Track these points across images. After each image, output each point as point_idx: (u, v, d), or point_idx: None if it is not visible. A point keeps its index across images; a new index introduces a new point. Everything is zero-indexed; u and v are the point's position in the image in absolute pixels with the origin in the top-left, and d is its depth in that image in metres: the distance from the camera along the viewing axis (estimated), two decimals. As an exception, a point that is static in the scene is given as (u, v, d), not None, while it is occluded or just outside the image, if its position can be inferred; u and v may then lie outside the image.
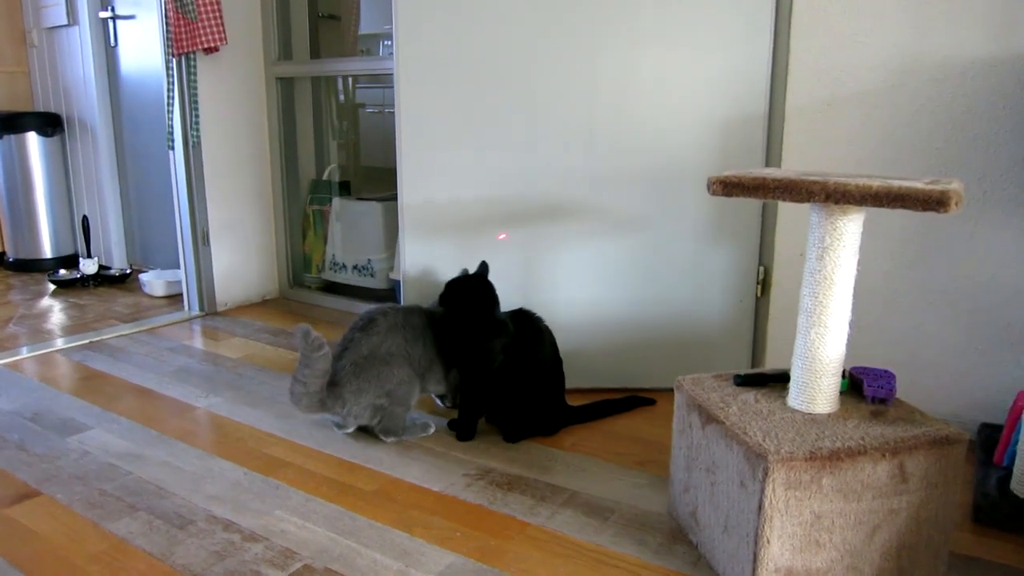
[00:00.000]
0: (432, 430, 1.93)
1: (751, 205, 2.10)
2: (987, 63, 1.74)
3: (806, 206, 2.02)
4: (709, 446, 1.37)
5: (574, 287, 2.18)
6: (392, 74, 2.08)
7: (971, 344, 1.85)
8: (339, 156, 3.46)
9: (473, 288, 1.89)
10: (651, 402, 2.12)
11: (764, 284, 2.15)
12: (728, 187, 1.22)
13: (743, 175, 1.21)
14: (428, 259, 2.18)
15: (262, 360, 2.46)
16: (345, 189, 3.33)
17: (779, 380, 1.50)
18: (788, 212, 2.04)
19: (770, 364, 2.14)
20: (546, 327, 1.92)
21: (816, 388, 1.36)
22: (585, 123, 2.07)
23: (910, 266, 1.89)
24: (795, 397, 1.39)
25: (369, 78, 5.86)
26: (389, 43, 5.66)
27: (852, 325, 1.34)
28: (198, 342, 2.67)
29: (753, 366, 2.21)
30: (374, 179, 3.55)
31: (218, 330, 2.80)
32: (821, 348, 1.34)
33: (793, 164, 2.01)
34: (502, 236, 2.14)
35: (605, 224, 2.14)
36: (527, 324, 1.90)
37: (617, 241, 2.15)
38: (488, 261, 1.98)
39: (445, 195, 2.14)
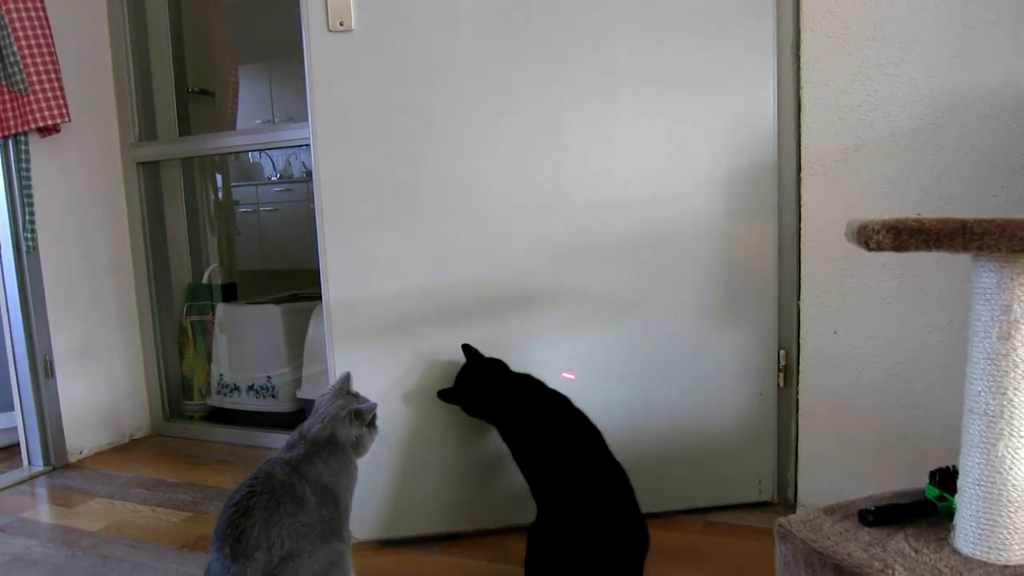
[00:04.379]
0: None
1: (765, 277, 1.72)
2: (1044, 88, 1.46)
3: (835, 271, 1.69)
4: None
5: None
6: (277, 149, 1.59)
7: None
8: (220, 253, 2.87)
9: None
10: None
11: (786, 372, 1.76)
12: (901, 236, 0.80)
13: (925, 218, 0.80)
14: (365, 369, 1.65)
15: (134, 529, 1.80)
16: (230, 293, 2.74)
17: (921, 512, 1.07)
18: (815, 281, 1.67)
19: (804, 470, 1.72)
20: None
21: (1008, 527, 0.93)
22: (552, 189, 1.64)
23: None
24: (970, 540, 0.95)
25: (241, 175, 5.29)
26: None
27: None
28: (42, 512, 1.97)
29: (780, 473, 1.78)
30: (263, 282, 3.01)
31: (71, 491, 2.10)
32: (1015, 469, 0.92)
33: (815, 225, 1.65)
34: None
35: (586, 311, 1.69)
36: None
37: (602, 332, 1.70)
38: (437, 363, 1.59)
39: (384, 287, 1.63)
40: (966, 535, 0.96)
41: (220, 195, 2.95)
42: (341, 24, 1.50)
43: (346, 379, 1.46)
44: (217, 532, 1.19)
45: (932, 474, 1.12)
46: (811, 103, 1.62)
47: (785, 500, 1.79)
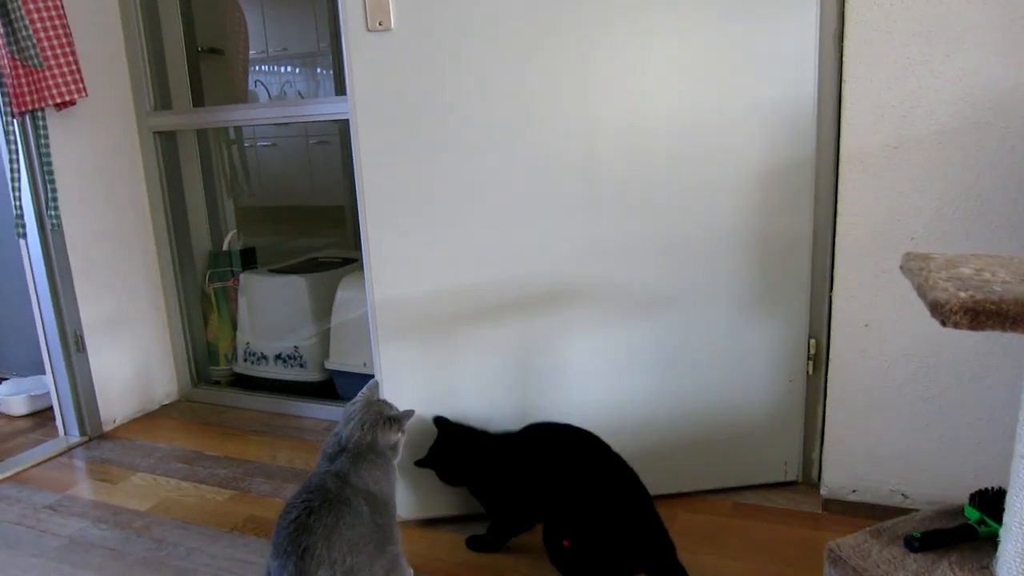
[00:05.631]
0: None
1: (799, 269, 1.74)
2: (1091, 91, 1.45)
3: (869, 265, 1.71)
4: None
5: (586, 386, 1.74)
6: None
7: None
8: (238, 218, 2.86)
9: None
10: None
11: (816, 360, 1.80)
12: (979, 318, 0.82)
13: (1002, 300, 0.81)
14: (407, 365, 1.68)
15: (182, 509, 1.87)
16: (250, 259, 2.74)
17: (963, 537, 1.12)
18: (849, 275, 1.69)
19: (829, 454, 1.78)
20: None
21: (1052, 562, 0.99)
22: (586, 182, 1.64)
23: None
24: (1015, 569, 1.01)
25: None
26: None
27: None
28: (87, 488, 2.03)
29: (807, 456, 1.85)
30: (262, 219, 3.01)
31: (111, 464, 2.17)
32: (1062, 512, 0.97)
33: (852, 220, 1.66)
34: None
35: (618, 306, 1.72)
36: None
37: (635, 326, 1.73)
38: (474, 361, 1.65)
39: (422, 287, 1.65)
40: (1010, 569, 1.02)
41: (236, 158, 2.92)
42: (380, 24, 1.47)
43: (374, 387, 1.51)
44: (279, 548, 1.24)
45: (972, 496, 1.17)
46: (853, 97, 1.61)
47: (809, 480, 1.86)
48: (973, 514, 1.15)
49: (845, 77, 1.61)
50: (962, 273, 0.94)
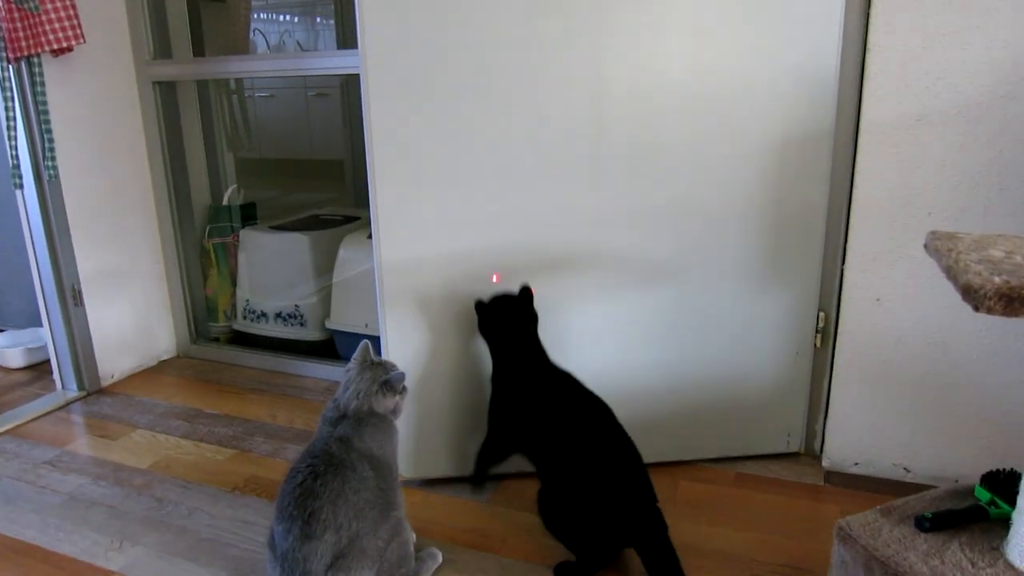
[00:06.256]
0: (440, 559, 1.46)
1: (811, 241, 1.72)
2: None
3: (884, 239, 1.68)
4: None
5: (592, 353, 1.73)
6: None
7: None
8: (239, 172, 2.81)
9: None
10: None
11: (824, 332, 1.78)
12: (1013, 304, 0.79)
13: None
14: (411, 327, 1.66)
15: (182, 468, 1.86)
16: (250, 214, 2.70)
17: (974, 518, 1.12)
18: (863, 248, 1.66)
19: (832, 427, 1.78)
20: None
21: (1065, 547, 0.98)
22: (595, 146, 1.60)
23: None
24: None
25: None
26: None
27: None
28: (85, 444, 2.02)
29: (810, 428, 1.85)
30: (260, 170, 2.96)
31: (109, 420, 2.15)
32: (1080, 499, 0.96)
33: (869, 192, 1.63)
34: (495, 278, 1.65)
35: (624, 273, 1.69)
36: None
37: (642, 293, 1.71)
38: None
39: (429, 248, 1.62)
40: (1021, 552, 1.01)
41: (236, 109, 2.86)
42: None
43: (366, 349, 1.46)
44: (284, 512, 1.24)
45: (984, 477, 1.16)
46: (877, 66, 1.56)
47: (811, 451, 1.86)
48: (984, 495, 1.14)
49: (870, 45, 1.56)
50: (993, 256, 0.92)
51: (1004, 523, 1.08)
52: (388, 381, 1.40)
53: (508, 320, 1.57)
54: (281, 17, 5.06)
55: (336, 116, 4.60)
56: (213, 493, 1.74)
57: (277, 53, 2.70)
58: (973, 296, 0.80)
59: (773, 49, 1.58)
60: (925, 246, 1.08)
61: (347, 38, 4.04)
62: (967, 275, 0.83)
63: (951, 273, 0.88)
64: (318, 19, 4.93)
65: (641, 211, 1.65)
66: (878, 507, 1.15)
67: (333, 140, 4.55)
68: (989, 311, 0.80)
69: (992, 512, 1.12)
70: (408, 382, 1.46)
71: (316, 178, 4.61)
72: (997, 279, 0.80)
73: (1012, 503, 1.09)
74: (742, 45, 1.58)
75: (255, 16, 4.96)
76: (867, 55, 1.57)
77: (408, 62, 1.51)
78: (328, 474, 1.25)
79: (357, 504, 1.26)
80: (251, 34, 5.35)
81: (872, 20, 1.55)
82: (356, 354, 1.45)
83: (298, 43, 5.13)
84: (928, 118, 1.55)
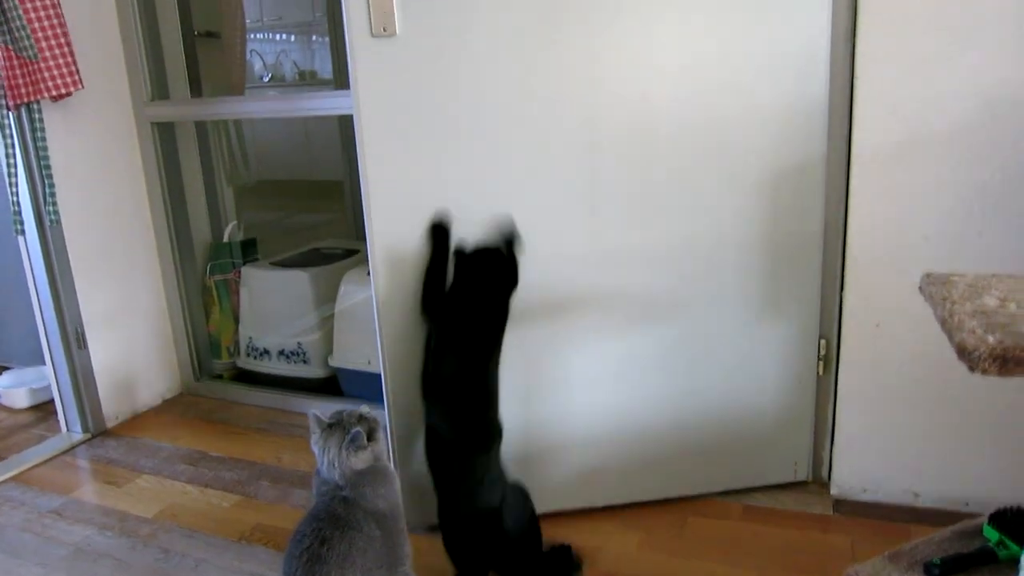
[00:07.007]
0: None
1: (809, 269, 1.71)
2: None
3: (881, 265, 1.68)
4: None
5: (593, 392, 1.73)
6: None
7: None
8: (238, 198, 2.81)
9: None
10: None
11: (826, 359, 1.78)
12: (1007, 365, 0.79)
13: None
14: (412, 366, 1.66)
15: (188, 516, 1.85)
16: (251, 249, 2.71)
17: (983, 560, 1.11)
18: (860, 275, 1.66)
19: (839, 454, 1.77)
20: None
21: (1074, 595, 0.97)
22: (587, 185, 1.60)
23: None
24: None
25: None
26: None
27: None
28: (91, 491, 2.02)
29: (817, 456, 1.84)
30: (256, 193, 2.98)
31: (115, 464, 2.15)
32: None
33: (864, 220, 1.62)
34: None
35: (623, 310, 1.70)
36: None
37: (641, 329, 1.71)
38: None
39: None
40: (1032, 596, 1.00)
41: (234, 142, 2.87)
42: (384, 30, 1.43)
43: (315, 420, 1.36)
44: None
45: (992, 516, 1.15)
46: (865, 95, 1.56)
47: (819, 479, 1.85)
48: (993, 535, 1.13)
49: (857, 74, 1.56)
50: (987, 305, 0.92)
51: (1014, 564, 1.08)
52: (352, 440, 1.32)
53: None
54: (277, 36, 5.09)
55: (334, 137, 4.61)
56: (220, 543, 1.73)
57: (273, 96, 2.74)
58: (968, 358, 0.80)
59: (762, 81, 1.58)
60: (920, 289, 1.08)
61: (342, 62, 4.05)
62: (961, 333, 0.83)
63: (945, 327, 0.88)
64: (314, 37, 4.97)
65: (638, 248, 1.65)
66: (886, 553, 1.14)
67: (331, 161, 4.56)
68: (984, 372, 0.80)
69: (1001, 554, 1.11)
70: (411, 422, 1.43)
71: (315, 199, 4.62)
72: (991, 339, 0.80)
73: (1021, 543, 1.08)
74: (732, 79, 1.58)
75: (253, 37, 4.99)
76: (855, 83, 1.57)
77: (399, 112, 1.51)
78: (334, 538, 1.24)
79: (364, 565, 1.25)
80: (248, 55, 5.37)
81: (858, 48, 1.55)
82: (311, 425, 1.37)
83: (294, 63, 5.15)
84: (919, 144, 1.55)
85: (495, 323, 1.53)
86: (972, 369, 0.80)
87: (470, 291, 1.53)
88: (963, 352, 0.80)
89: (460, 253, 1.54)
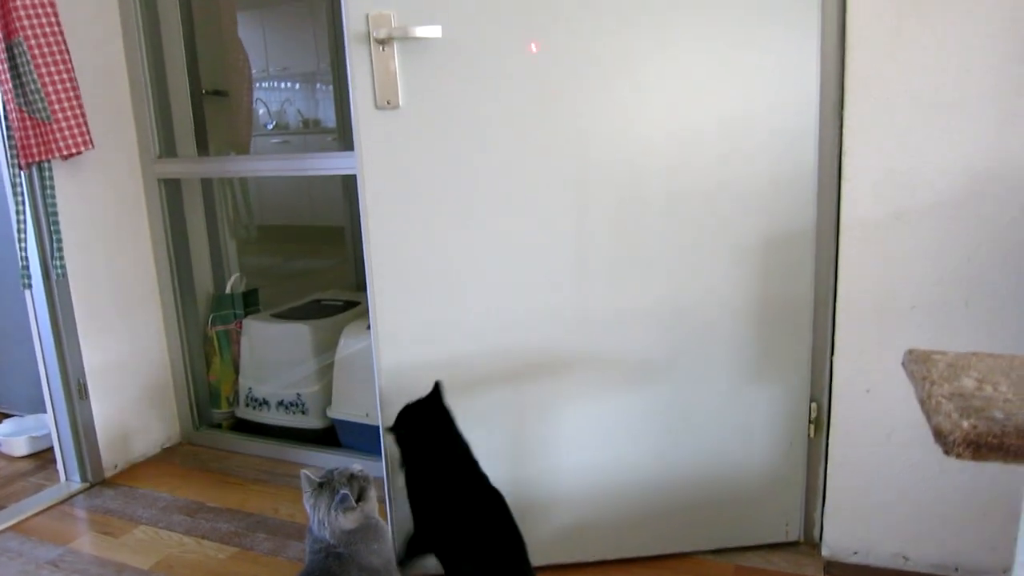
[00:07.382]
0: None
1: (799, 334, 1.75)
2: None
3: (870, 332, 1.72)
4: None
5: (582, 453, 1.76)
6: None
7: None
8: (240, 259, 2.86)
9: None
10: None
11: (817, 423, 1.81)
12: (980, 451, 0.83)
13: (1005, 433, 0.82)
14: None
15: (185, 568, 1.87)
16: (253, 300, 2.75)
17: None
18: (850, 341, 1.70)
19: (830, 516, 1.79)
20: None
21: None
22: (577, 247, 1.65)
23: None
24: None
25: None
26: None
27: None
28: (88, 542, 2.03)
29: (808, 517, 1.86)
30: (280, 240, 3.03)
31: (112, 515, 2.17)
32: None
33: (853, 288, 1.67)
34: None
35: (613, 374, 1.73)
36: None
37: (633, 391, 1.74)
38: (471, 429, 1.58)
39: (426, 351, 1.66)
40: (1011, 671, 1.02)
41: (239, 196, 2.93)
42: (388, 103, 1.49)
43: (305, 479, 1.40)
44: None
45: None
46: (852, 169, 1.62)
47: (811, 540, 1.87)
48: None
49: (845, 149, 1.62)
50: (964, 387, 0.95)
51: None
52: (340, 502, 1.34)
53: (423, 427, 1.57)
54: (282, 85, 5.20)
55: (336, 184, 4.69)
56: (215, 596, 1.75)
57: (278, 155, 2.83)
58: (943, 441, 0.83)
59: (752, 150, 1.64)
60: (903, 365, 1.12)
61: (345, 111, 4.15)
62: (938, 416, 0.86)
63: (924, 408, 0.92)
64: (318, 85, 5.08)
65: (628, 311, 1.69)
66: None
67: (333, 208, 4.63)
68: (959, 457, 0.83)
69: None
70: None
71: (317, 244, 4.67)
72: (965, 424, 0.84)
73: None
74: (722, 148, 1.64)
75: (257, 86, 5.10)
76: (843, 157, 1.62)
77: (402, 179, 1.57)
78: None
79: None
80: (252, 103, 5.47)
81: (845, 123, 1.61)
82: (303, 485, 1.40)
83: (299, 111, 5.26)
84: (906, 216, 1.60)
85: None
86: (947, 453, 0.83)
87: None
88: (939, 435, 0.84)
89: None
